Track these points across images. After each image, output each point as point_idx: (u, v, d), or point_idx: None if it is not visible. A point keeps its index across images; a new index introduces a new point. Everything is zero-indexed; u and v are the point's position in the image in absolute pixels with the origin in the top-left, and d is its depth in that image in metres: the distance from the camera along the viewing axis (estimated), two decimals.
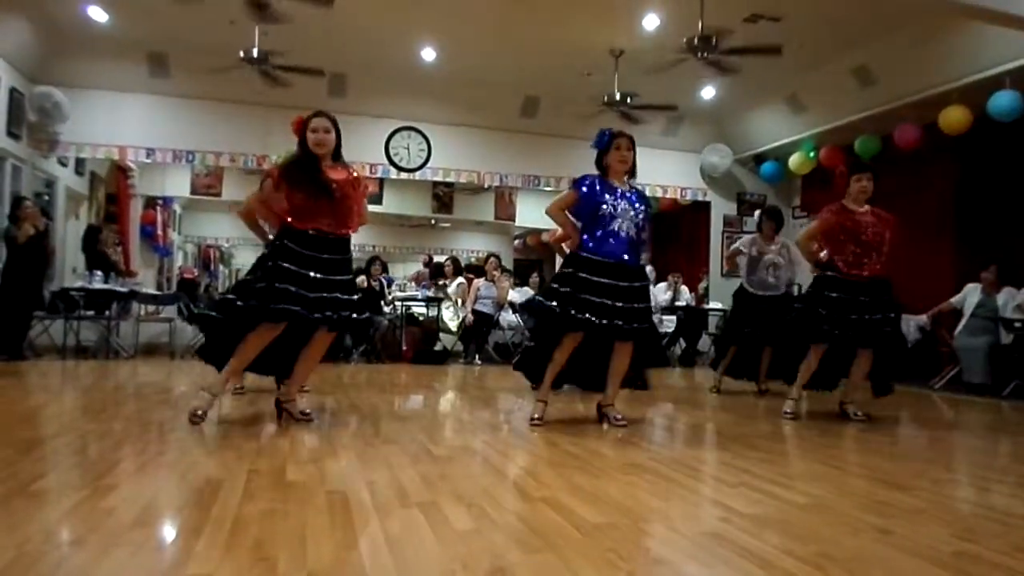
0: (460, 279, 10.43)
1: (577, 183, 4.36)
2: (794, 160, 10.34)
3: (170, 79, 9.25)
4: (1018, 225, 7.95)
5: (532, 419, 4.30)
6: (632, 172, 4.41)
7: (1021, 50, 6.86)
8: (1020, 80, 7.10)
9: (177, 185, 12.00)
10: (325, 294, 3.88)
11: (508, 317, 10.03)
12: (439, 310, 9.96)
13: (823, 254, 4.99)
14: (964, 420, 5.70)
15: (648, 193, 8.66)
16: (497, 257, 10.55)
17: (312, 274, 3.87)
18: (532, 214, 13.76)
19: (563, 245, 5.97)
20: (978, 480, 3.39)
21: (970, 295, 7.79)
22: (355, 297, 4.06)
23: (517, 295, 10.35)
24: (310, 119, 4.06)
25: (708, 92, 9.66)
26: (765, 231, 6.56)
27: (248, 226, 4.39)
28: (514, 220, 13.89)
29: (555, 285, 4.23)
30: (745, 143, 11.11)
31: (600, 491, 2.70)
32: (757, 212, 7.47)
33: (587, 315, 4.06)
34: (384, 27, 8.06)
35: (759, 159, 11.19)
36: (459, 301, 10.01)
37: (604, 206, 4.20)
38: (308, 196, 3.92)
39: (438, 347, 9.92)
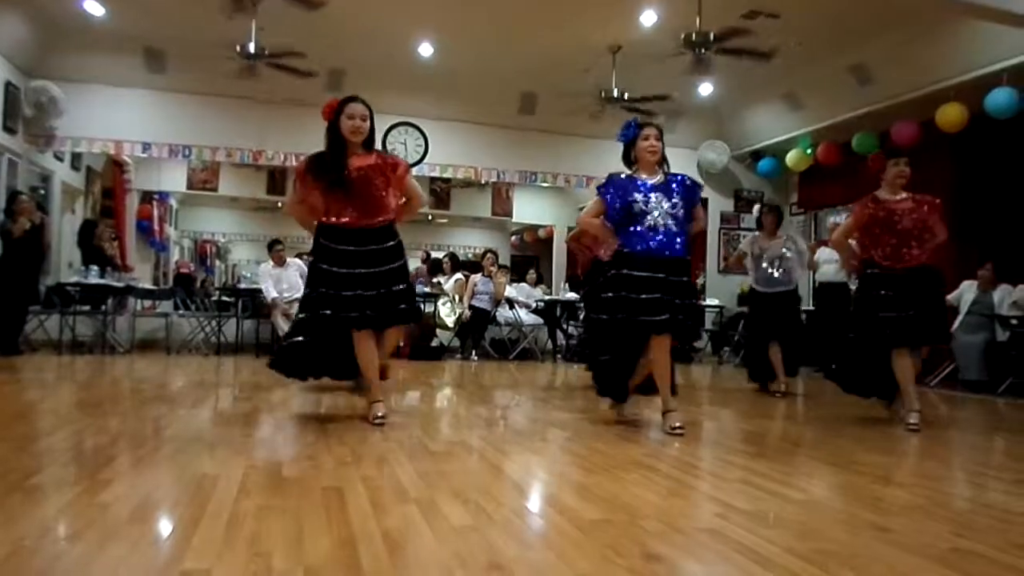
0: (458, 275, 10.42)
1: (602, 188, 4.14)
2: (791, 157, 10.34)
3: (166, 74, 9.23)
4: (1015, 222, 7.96)
5: (674, 427, 3.90)
6: (663, 161, 4.14)
7: (1018, 47, 6.86)
8: (1017, 77, 7.10)
9: (173, 180, 11.98)
10: (371, 291, 3.75)
11: (505, 313, 10.03)
12: (435, 306, 9.95)
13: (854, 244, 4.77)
14: (960, 417, 5.71)
15: None
16: (494, 253, 10.55)
17: (357, 271, 3.76)
18: (529, 210, 13.76)
19: (582, 245, 6.00)
20: (975, 477, 3.40)
21: (966, 292, 7.80)
22: (403, 287, 3.88)
23: (514, 291, 10.35)
24: (345, 103, 3.86)
25: (706, 88, 9.66)
26: (766, 226, 6.48)
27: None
28: (511, 216, 13.88)
29: (606, 293, 3.98)
30: (742, 140, 11.11)
31: (598, 488, 2.70)
32: (756, 208, 7.43)
33: (646, 315, 3.84)
34: (382, 22, 8.04)
35: (756, 156, 11.20)
36: (456, 297, 10.00)
37: (635, 204, 3.97)
38: (328, 187, 3.79)
39: (435, 343, 9.92)
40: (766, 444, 3.95)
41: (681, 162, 11.31)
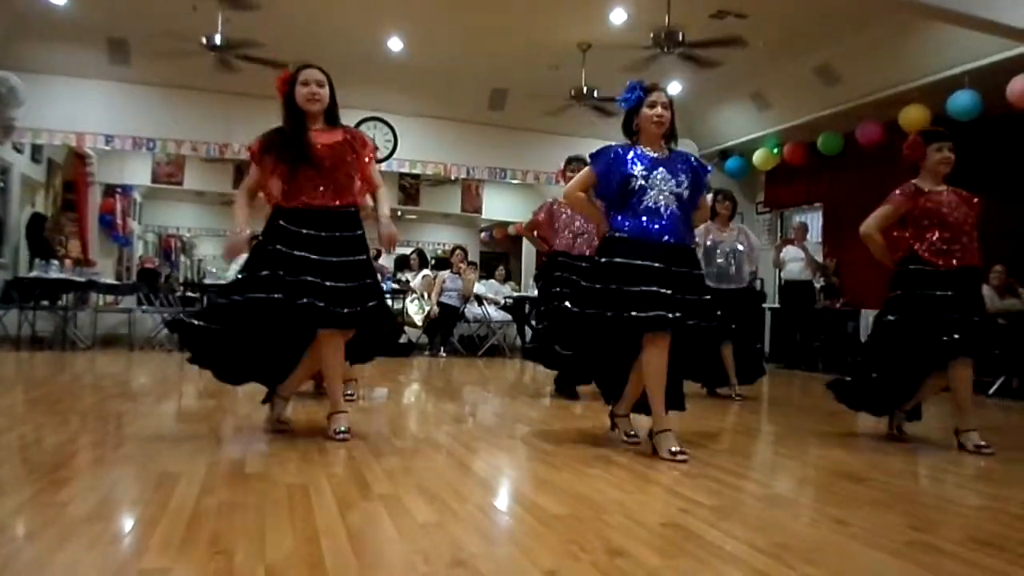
0: (425, 271, 10.39)
1: (594, 157, 3.57)
2: (758, 156, 10.46)
3: (130, 65, 9.07)
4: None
5: (674, 452, 3.23)
6: (671, 135, 3.55)
7: (980, 51, 7.00)
8: (978, 80, 7.24)
9: (137, 173, 11.79)
10: (328, 281, 3.28)
11: (474, 310, 10.02)
12: (404, 303, 9.91)
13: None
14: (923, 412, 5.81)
15: None
16: (463, 249, 10.53)
17: (313, 256, 3.29)
18: (499, 207, 13.76)
19: (534, 235, 5.91)
20: (933, 472, 3.46)
21: None
22: (369, 281, 3.42)
23: (483, 288, 10.34)
24: (299, 71, 3.51)
25: (674, 88, 9.71)
26: (720, 215, 5.92)
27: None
28: (481, 212, 13.87)
29: (594, 284, 3.38)
30: (710, 138, 11.20)
31: (562, 483, 2.71)
32: (710, 196, 7.00)
33: (640, 311, 3.22)
34: (351, 16, 7.99)
35: (724, 155, 11.30)
36: (424, 294, 9.97)
37: (633, 177, 3.38)
38: (292, 164, 3.35)
39: (403, 340, 9.87)
40: (728, 440, 3.99)
41: None
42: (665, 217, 3.36)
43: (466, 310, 9.95)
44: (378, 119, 10.26)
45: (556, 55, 8.71)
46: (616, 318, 3.25)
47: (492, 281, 10.85)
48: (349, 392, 4.69)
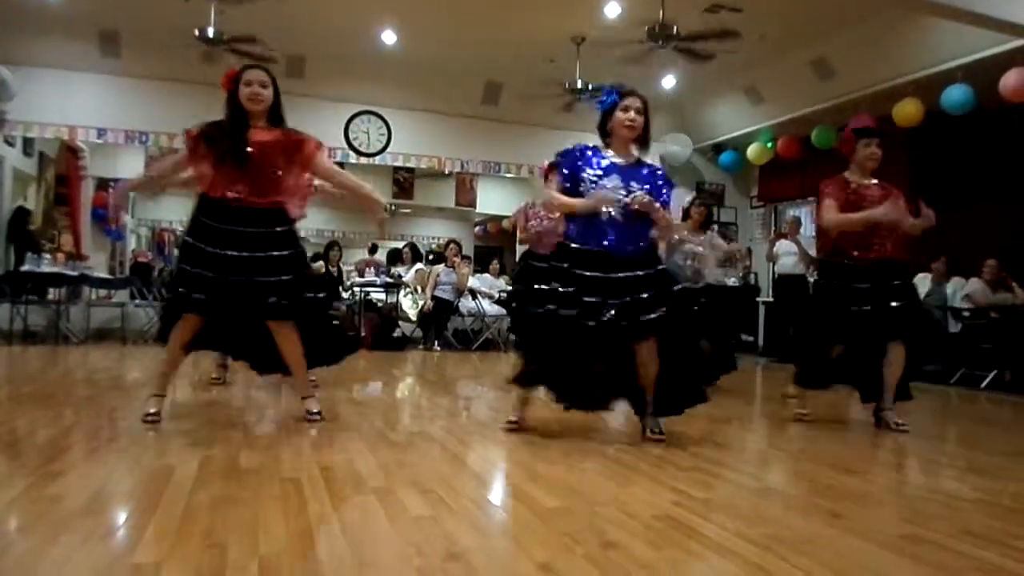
0: (418, 265, 10.38)
1: (561, 156, 3.62)
2: (752, 150, 10.46)
3: (122, 58, 9.01)
4: (967, 217, 8.14)
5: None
6: (644, 141, 3.55)
7: (974, 45, 7.01)
8: (972, 74, 7.24)
9: (130, 167, 11.66)
10: (244, 277, 3.39)
11: (468, 304, 10.01)
12: (398, 297, 9.90)
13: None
14: (913, 407, 5.83)
15: None
16: (457, 243, 10.51)
17: (229, 252, 3.39)
18: (493, 201, 13.72)
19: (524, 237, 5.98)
20: (927, 465, 3.48)
21: (920, 285, 7.95)
22: (286, 278, 3.47)
23: (477, 282, 10.34)
24: (243, 71, 3.58)
25: (669, 81, 9.70)
26: (695, 218, 5.99)
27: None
28: (475, 207, 13.82)
29: (538, 285, 3.42)
30: (704, 133, 11.20)
31: (556, 476, 2.71)
32: (687, 198, 6.92)
33: (577, 315, 3.28)
34: (344, 9, 7.95)
35: (718, 149, 11.30)
36: (418, 288, 9.96)
37: (583, 181, 3.39)
38: (219, 158, 3.44)
39: (397, 333, 9.87)
40: (720, 433, 4.00)
41: None
42: (606, 224, 3.34)
43: (460, 304, 9.94)
44: (371, 113, 10.23)
45: (550, 49, 8.68)
46: (549, 315, 3.31)
47: (486, 275, 10.84)
48: (216, 377, 5.12)
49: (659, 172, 3.59)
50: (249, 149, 3.46)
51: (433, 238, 15.86)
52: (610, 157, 3.46)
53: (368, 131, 10.25)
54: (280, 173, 3.52)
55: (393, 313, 9.94)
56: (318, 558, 1.74)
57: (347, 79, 9.70)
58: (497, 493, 2.60)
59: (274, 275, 3.45)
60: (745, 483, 2.75)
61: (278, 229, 3.52)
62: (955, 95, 7.37)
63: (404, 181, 12.90)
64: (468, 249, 13.94)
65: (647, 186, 3.42)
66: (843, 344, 4.23)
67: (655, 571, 1.74)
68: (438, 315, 9.72)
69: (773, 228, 11.23)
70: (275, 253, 3.48)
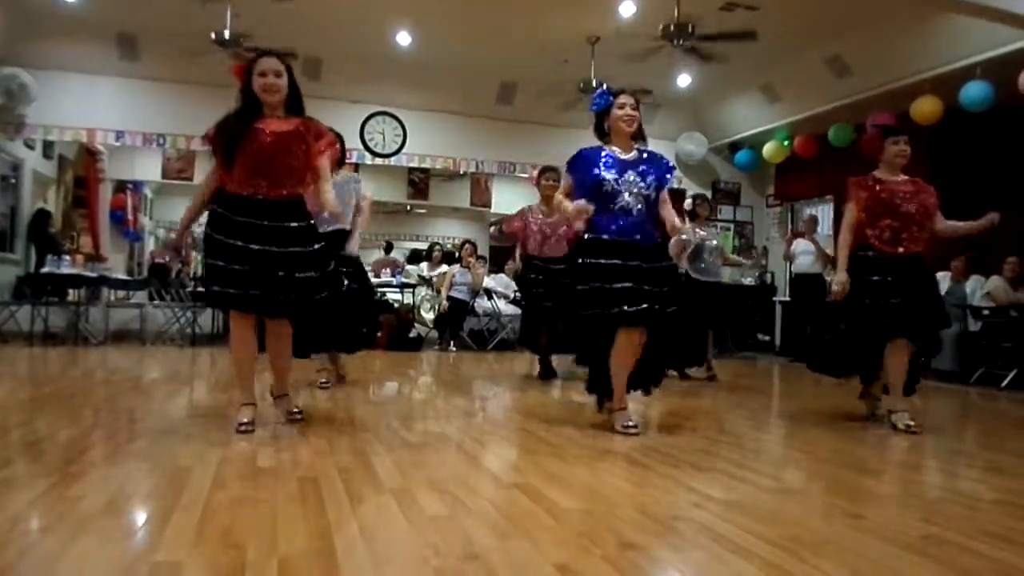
0: (445, 267, 10.41)
1: (570, 164, 3.81)
2: (768, 148, 10.40)
3: (140, 61, 9.09)
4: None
5: (626, 426, 3.61)
6: (640, 135, 3.80)
7: (992, 41, 6.93)
8: (991, 71, 7.17)
9: (148, 169, 11.80)
10: (269, 271, 3.26)
11: (483, 304, 10.02)
12: (414, 298, 9.92)
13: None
14: (932, 407, 5.78)
15: None
16: (472, 244, 10.53)
17: (253, 246, 3.26)
18: (508, 201, 13.69)
19: (514, 242, 6.03)
20: (946, 465, 3.45)
21: (939, 283, 7.89)
22: (312, 275, 3.34)
23: (492, 282, 10.34)
24: (257, 60, 3.44)
25: (684, 80, 9.67)
26: (701, 215, 6.43)
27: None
28: (490, 207, 13.84)
29: (575, 286, 3.62)
30: (720, 131, 11.15)
31: (573, 477, 2.71)
32: (691, 196, 7.14)
33: (622, 306, 3.47)
34: (359, 11, 7.98)
35: (734, 147, 11.25)
36: (438, 290, 10.00)
37: (605, 181, 3.61)
38: (235, 151, 3.31)
39: (413, 334, 9.89)
40: (738, 433, 3.98)
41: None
42: (636, 217, 3.63)
43: (475, 304, 9.95)
44: (387, 114, 10.26)
45: (565, 49, 8.67)
46: (596, 316, 3.53)
47: (501, 275, 10.84)
48: (324, 381, 4.97)
49: (661, 157, 3.84)
50: (266, 140, 3.31)
51: (448, 238, 15.90)
52: (619, 155, 3.71)
53: (384, 132, 10.28)
54: (300, 164, 3.40)
55: (410, 314, 9.97)
56: (336, 558, 1.74)
57: (363, 80, 9.73)
58: (514, 493, 2.60)
59: (303, 271, 3.32)
60: (763, 484, 2.74)
61: (303, 224, 3.39)
62: (974, 92, 7.30)
63: (419, 181, 12.93)
64: (483, 249, 13.96)
65: (655, 174, 3.72)
66: (868, 338, 4.15)
67: (674, 572, 1.73)
68: (454, 315, 9.74)
69: (790, 227, 11.16)
70: (300, 249, 3.34)
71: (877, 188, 4.18)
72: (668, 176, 3.79)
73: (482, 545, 1.89)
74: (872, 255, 4.12)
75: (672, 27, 7.19)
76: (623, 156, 3.70)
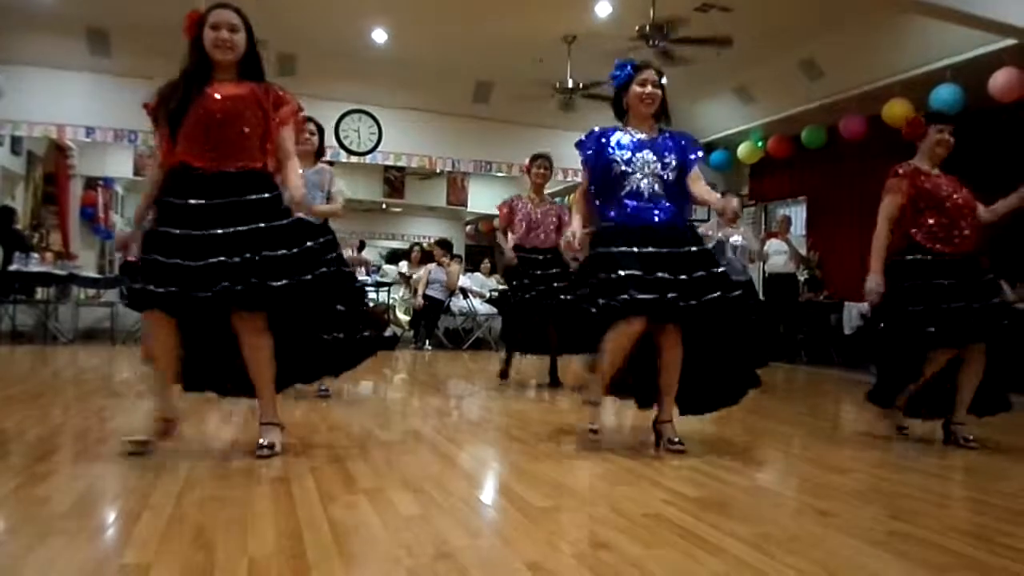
0: (430, 266, 10.40)
1: (580, 145, 3.45)
2: (742, 149, 10.48)
3: (111, 57, 8.97)
4: None
5: (589, 430, 3.31)
6: (662, 114, 3.44)
7: (962, 45, 7.04)
8: (961, 74, 7.28)
9: (119, 166, 11.68)
10: (224, 257, 2.67)
11: (459, 303, 10.01)
12: (388, 297, 9.89)
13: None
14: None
15: None
16: (447, 243, 10.51)
17: (210, 231, 2.70)
18: (484, 200, 13.73)
19: (504, 234, 5.97)
20: (919, 465, 3.48)
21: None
22: (282, 252, 2.73)
23: (468, 281, 10.34)
24: (209, 11, 2.87)
25: None
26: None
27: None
28: (466, 206, 13.86)
29: (591, 278, 3.24)
30: (695, 132, 11.01)
31: (546, 476, 2.71)
32: (726, 193, 6.96)
33: (648, 294, 3.05)
34: (335, 7, 7.93)
35: (708, 148, 11.30)
36: (414, 289, 9.97)
37: (615, 163, 3.29)
38: (182, 118, 2.79)
39: (388, 332, 9.85)
40: (711, 433, 4.01)
41: None
42: (648, 199, 3.26)
43: (451, 303, 9.93)
44: (362, 111, 10.21)
45: (541, 48, 8.68)
46: (604, 307, 3.10)
47: (477, 274, 10.85)
48: (324, 388, 4.61)
49: (683, 139, 3.46)
50: (214, 105, 2.80)
51: (424, 237, 15.87)
52: (634, 134, 3.36)
53: (359, 130, 10.23)
54: (248, 131, 2.83)
55: (385, 314, 9.93)
56: (307, 558, 1.73)
57: (338, 78, 9.67)
58: (488, 493, 2.60)
59: (276, 248, 2.73)
60: (736, 482, 2.76)
61: (266, 196, 2.82)
62: (944, 95, 7.40)
63: (395, 180, 12.91)
64: (459, 248, 13.96)
65: (678, 155, 3.36)
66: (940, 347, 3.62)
67: (645, 570, 1.74)
68: (429, 314, 9.72)
69: (763, 227, 11.25)
70: (264, 225, 2.75)
71: (922, 178, 3.77)
72: (692, 158, 3.39)
73: (455, 544, 1.89)
74: (924, 258, 3.67)
75: (648, 28, 7.22)
76: (641, 135, 3.35)
